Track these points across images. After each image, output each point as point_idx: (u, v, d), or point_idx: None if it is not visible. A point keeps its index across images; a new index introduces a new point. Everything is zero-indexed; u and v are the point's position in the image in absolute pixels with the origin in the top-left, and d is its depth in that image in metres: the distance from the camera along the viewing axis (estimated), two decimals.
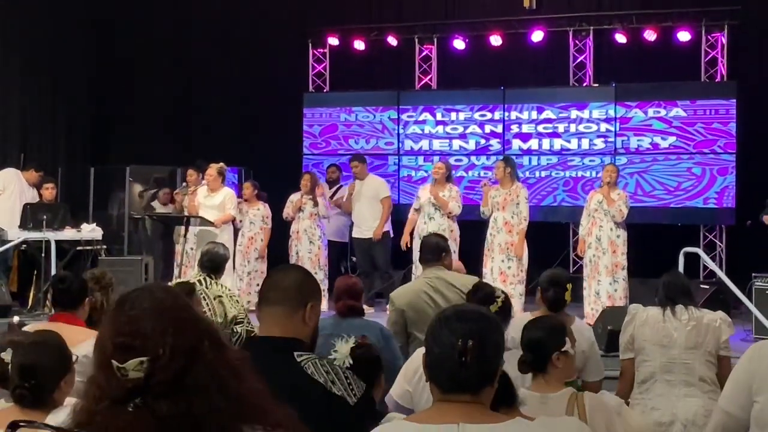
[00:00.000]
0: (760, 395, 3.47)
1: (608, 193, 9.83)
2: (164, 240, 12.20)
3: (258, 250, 11.01)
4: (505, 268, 9.93)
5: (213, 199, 10.24)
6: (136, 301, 1.85)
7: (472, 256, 10.06)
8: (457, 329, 2.27)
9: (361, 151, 12.75)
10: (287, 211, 11.07)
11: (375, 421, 2.60)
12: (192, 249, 10.39)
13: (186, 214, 10.61)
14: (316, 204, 10.89)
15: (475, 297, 4.17)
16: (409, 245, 10.62)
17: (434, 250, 5.74)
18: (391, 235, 11.07)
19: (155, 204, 12.68)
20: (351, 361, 3.67)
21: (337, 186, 12.04)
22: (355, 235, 11.17)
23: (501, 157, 11.19)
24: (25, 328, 4.46)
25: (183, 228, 10.69)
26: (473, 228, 10.49)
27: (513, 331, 4.67)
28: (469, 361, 2.23)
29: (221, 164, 10.43)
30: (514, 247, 10.01)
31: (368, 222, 10.96)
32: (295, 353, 2.60)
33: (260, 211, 11.12)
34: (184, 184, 11.52)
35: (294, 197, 11.10)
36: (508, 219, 10.07)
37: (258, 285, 10.61)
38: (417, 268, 10.33)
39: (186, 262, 10.29)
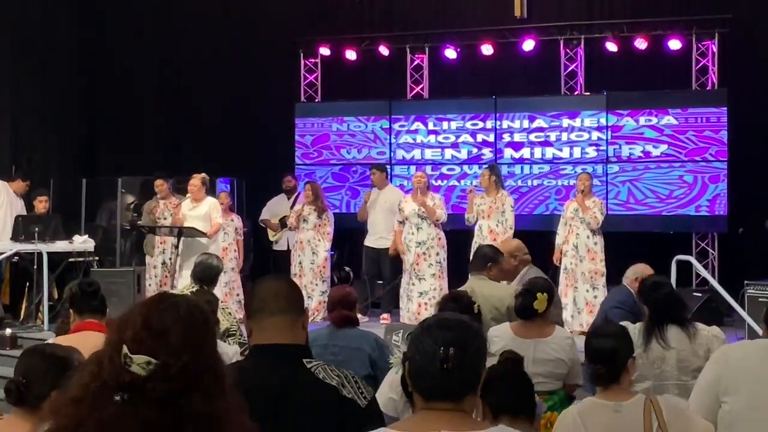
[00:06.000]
0: (728, 396, 3.51)
1: (582, 201, 9.93)
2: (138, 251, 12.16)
3: (234, 261, 11.00)
4: None
5: (198, 210, 10.17)
6: (174, 305, 1.84)
7: (463, 264, 10.09)
8: (439, 337, 2.28)
9: (353, 161, 12.75)
10: (290, 220, 11.08)
11: (383, 424, 2.61)
12: (167, 261, 10.44)
13: (170, 225, 10.54)
14: (319, 215, 10.86)
15: (457, 306, 4.19)
16: (401, 255, 10.63)
17: (481, 258, 6.07)
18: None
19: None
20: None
21: (296, 194, 12.03)
22: (367, 243, 11.07)
23: (486, 166, 11.22)
24: (51, 340, 4.40)
25: (155, 239, 10.73)
26: (464, 236, 10.50)
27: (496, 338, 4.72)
28: (451, 368, 2.24)
29: (203, 174, 10.36)
30: None
31: (381, 232, 10.88)
32: (304, 360, 2.65)
33: (234, 222, 11.18)
34: (159, 194, 11.38)
35: (296, 207, 11.12)
36: (492, 227, 10.11)
37: (239, 295, 10.60)
38: (405, 279, 10.36)
39: (165, 272, 10.32)
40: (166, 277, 10.56)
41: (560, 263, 10.09)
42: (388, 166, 12.80)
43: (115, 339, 1.77)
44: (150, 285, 10.78)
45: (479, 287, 5.74)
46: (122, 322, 1.81)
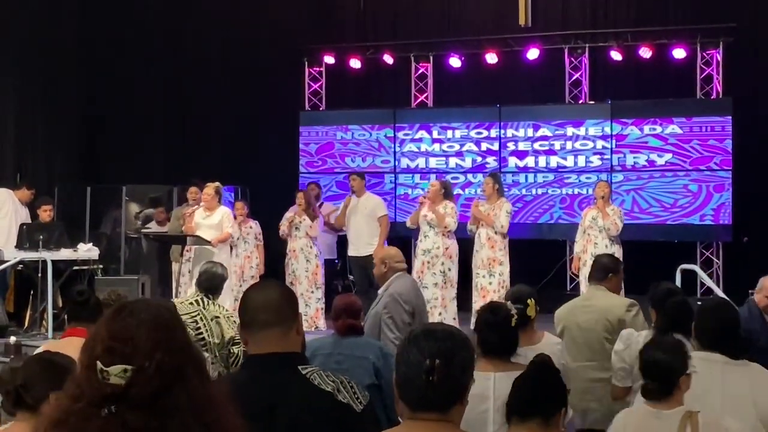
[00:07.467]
0: None
1: (603, 208, 9.88)
2: (160, 259, 12.13)
3: (255, 268, 11.00)
4: (485, 283, 9.93)
5: (211, 219, 10.17)
6: (135, 310, 1.87)
7: (466, 271, 10.09)
8: (425, 348, 2.29)
9: (357, 170, 12.73)
10: (283, 228, 11.03)
11: (378, 429, 2.64)
12: (189, 271, 10.35)
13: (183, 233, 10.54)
14: (310, 221, 10.84)
15: (493, 317, 4.15)
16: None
17: (601, 269, 5.94)
18: None
19: (152, 224, 12.62)
20: None
21: (318, 203, 12.01)
22: (351, 253, 10.92)
23: (488, 174, 11.18)
24: (42, 346, 4.43)
25: (181, 247, 10.64)
26: (464, 244, 10.49)
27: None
28: (436, 379, 2.24)
29: (217, 183, 10.35)
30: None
31: (364, 239, 10.78)
32: (300, 367, 2.63)
33: (253, 229, 11.18)
34: (192, 202, 11.28)
35: (288, 214, 11.08)
36: (491, 235, 10.06)
37: None
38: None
39: (185, 281, 10.24)
40: (184, 285, 10.58)
41: (579, 272, 10.03)
42: (393, 175, 12.85)
43: (87, 359, 1.80)
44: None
45: (596, 298, 5.74)
46: (89, 341, 1.84)
